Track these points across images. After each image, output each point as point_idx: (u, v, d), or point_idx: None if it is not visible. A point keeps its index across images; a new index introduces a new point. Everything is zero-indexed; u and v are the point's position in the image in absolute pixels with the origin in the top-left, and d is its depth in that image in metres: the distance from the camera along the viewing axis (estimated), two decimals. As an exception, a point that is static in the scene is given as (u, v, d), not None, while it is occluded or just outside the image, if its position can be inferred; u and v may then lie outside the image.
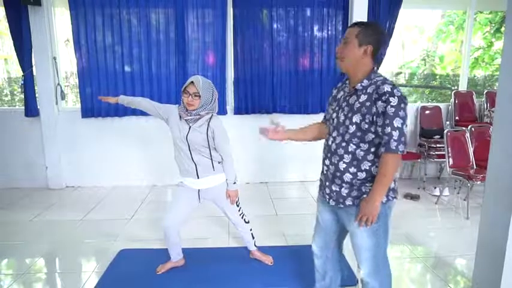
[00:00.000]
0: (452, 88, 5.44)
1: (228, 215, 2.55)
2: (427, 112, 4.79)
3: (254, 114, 4.54)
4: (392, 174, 1.57)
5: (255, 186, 4.61)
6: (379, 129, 1.54)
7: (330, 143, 1.73)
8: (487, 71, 6.32)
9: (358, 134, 1.60)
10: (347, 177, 1.66)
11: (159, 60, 4.32)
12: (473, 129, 4.03)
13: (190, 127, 2.25)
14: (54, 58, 4.34)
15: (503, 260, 2.01)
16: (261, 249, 2.75)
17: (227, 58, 4.44)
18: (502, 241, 2.01)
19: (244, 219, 2.59)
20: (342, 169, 1.66)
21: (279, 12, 4.35)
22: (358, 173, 1.64)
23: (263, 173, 4.72)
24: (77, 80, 4.37)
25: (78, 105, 4.42)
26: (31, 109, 4.32)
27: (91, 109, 4.38)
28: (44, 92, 4.34)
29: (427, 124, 4.74)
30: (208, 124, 2.25)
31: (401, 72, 6.17)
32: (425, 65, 6.29)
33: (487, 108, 4.79)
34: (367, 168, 1.63)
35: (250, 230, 2.65)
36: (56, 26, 4.37)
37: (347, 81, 1.74)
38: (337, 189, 1.70)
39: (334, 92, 1.83)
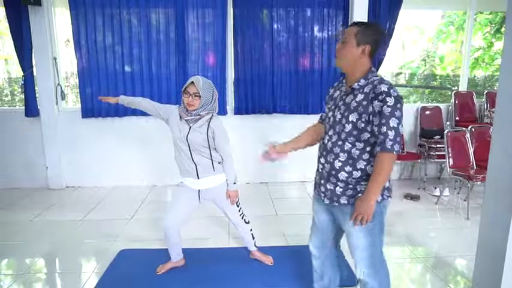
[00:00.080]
0: (453, 88, 5.45)
1: (228, 216, 2.55)
2: (427, 112, 4.79)
3: (254, 115, 4.54)
4: (388, 173, 1.58)
5: (255, 187, 4.61)
6: (375, 129, 1.55)
7: (326, 141, 1.74)
8: (487, 71, 6.33)
9: (354, 132, 1.61)
10: (342, 175, 1.66)
11: (159, 60, 4.32)
12: (473, 129, 4.04)
13: (190, 127, 2.25)
14: (55, 58, 4.35)
15: (504, 261, 2.01)
16: (261, 249, 2.75)
17: (227, 58, 4.44)
18: (502, 241, 2.01)
19: (245, 220, 2.59)
20: (337, 167, 1.67)
21: (279, 12, 4.35)
22: (354, 172, 1.65)
23: (263, 173, 4.72)
24: (77, 80, 4.38)
25: (79, 106, 4.43)
26: (31, 109, 4.32)
27: (91, 109, 4.39)
28: (44, 92, 4.34)
29: (427, 124, 4.74)
30: (209, 124, 2.25)
31: (401, 73, 6.17)
32: (425, 65, 6.29)
33: (487, 109, 4.79)
34: (363, 167, 1.64)
35: (251, 230, 2.64)
36: (56, 26, 4.37)
37: (344, 81, 1.75)
38: (332, 188, 1.71)
39: (331, 91, 1.84)
